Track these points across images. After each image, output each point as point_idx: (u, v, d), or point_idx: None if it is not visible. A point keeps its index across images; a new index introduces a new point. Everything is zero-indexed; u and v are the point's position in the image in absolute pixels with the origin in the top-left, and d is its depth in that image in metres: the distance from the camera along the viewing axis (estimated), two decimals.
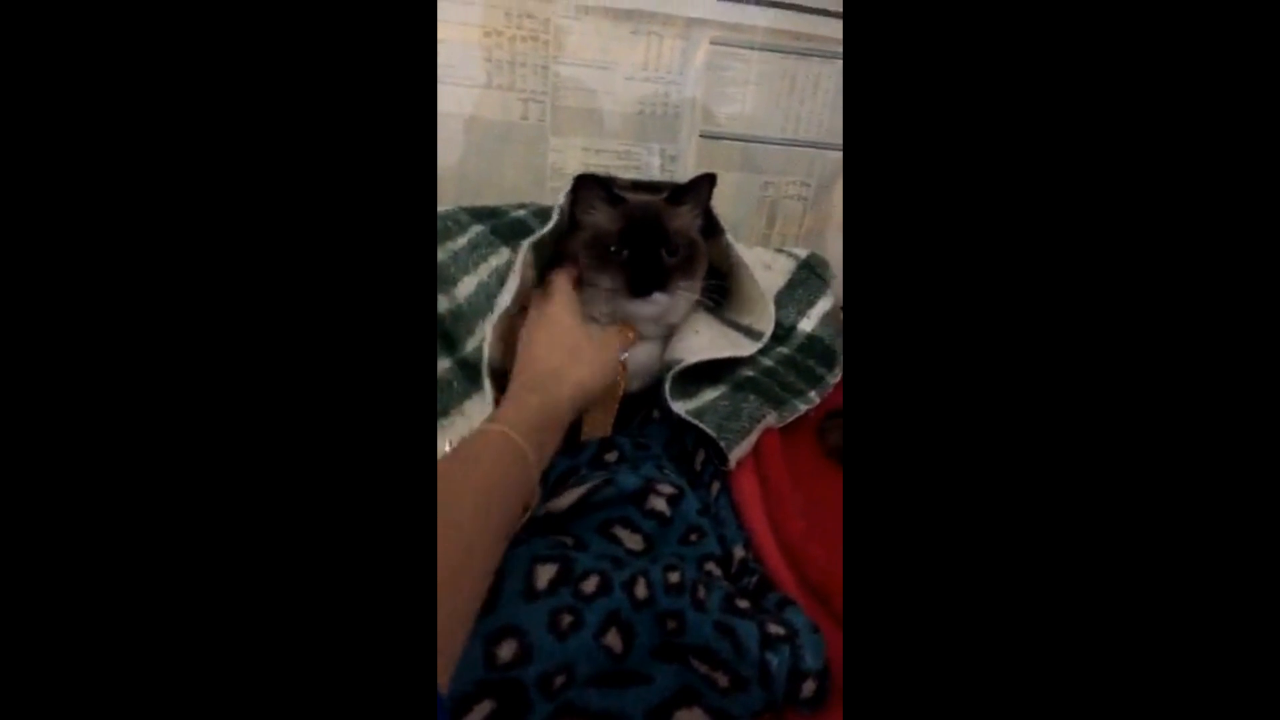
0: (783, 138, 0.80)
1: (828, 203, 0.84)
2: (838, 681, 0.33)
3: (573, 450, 0.43)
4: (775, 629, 0.34)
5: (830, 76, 0.77)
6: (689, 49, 0.74)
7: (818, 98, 0.79)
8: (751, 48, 0.75)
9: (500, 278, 0.57)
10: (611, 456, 0.43)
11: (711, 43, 0.74)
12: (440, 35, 0.70)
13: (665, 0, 0.71)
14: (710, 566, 0.38)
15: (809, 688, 0.33)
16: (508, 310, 0.51)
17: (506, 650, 0.31)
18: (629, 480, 0.39)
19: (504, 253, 0.58)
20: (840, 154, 0.81)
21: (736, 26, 0.74)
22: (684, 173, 0.80)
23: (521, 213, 0.63)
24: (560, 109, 0.75)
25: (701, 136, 0.79)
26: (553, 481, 0.40)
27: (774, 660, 0.33)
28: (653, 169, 0.80)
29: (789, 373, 0.60)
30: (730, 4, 0.72)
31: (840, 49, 0.76)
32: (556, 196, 0.69)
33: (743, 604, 0.35)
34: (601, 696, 0.32)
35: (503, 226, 0.61)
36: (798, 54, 0.76)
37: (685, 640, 0.33)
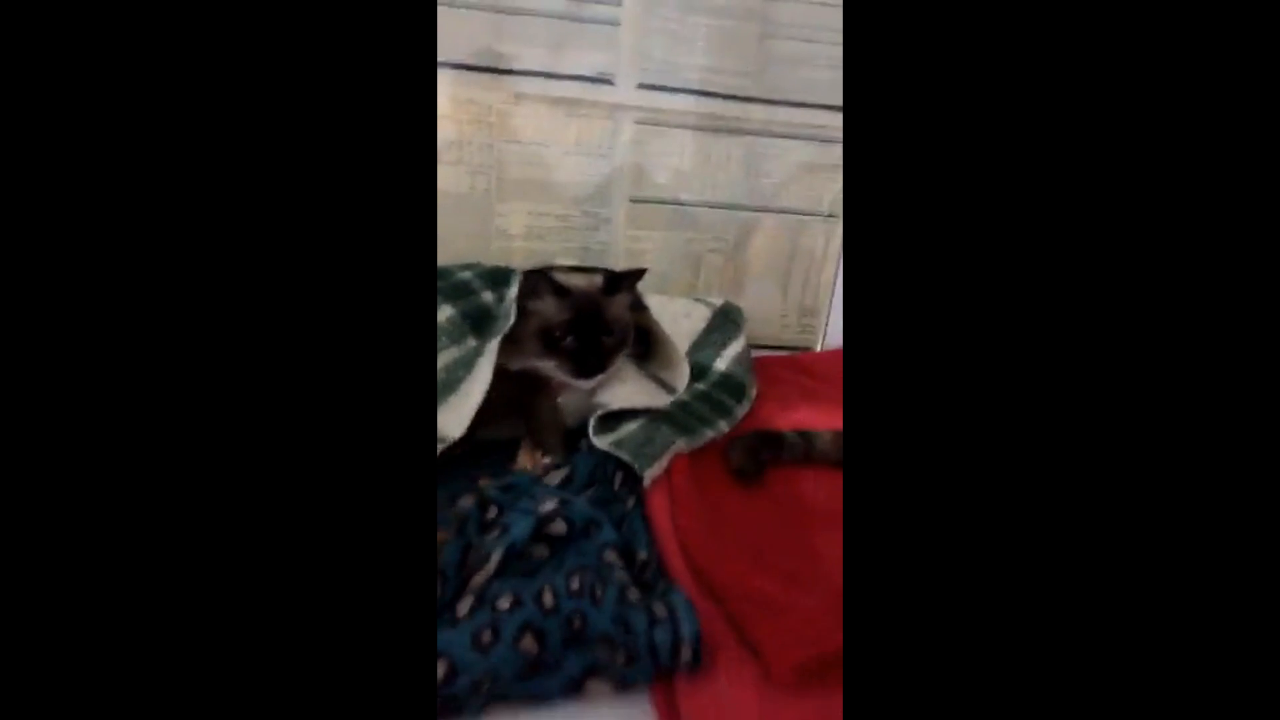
0: (702, 200, 0.91)
1: (743, 257, 0.95)
2: (710, 646, 0.42)
3: (458, 529, 0.48)
4: (659, 610, 0.42)
5: (739, 148, 0.89)
6: (617, 128, 0.86)
7: (730, 167, 0.90)
8: (671, 126, 0.87)
9: (442, 333, 0.65)
10: (491, 514, 0.49)
11: (636, 122, 0.86)
12: None
13: (593, 89, 0.83)
14: (609, 555, 0.46)
15: (687, 653, 0.41)
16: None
17: (438, 670, 0.38)
18: (521, 528, 0.46)
19: (446, 309, 0.67)
20: (750, 214, 0.92)
21: (656, 110, 0.85)
22: (616, 232, 0.91)
23: (467, 274, 0.72)
24: (505, 180, 0.86)
25: (631, 201, 0.90)
26: (457, 565, 0.45)
27: (658, 636, 0.41)
28: (588, 229, 0.90)
29: (703, 407, 0.70)
30: (649, 92, 0.84)
31: (745, 125, 0.88)
32: (501, 258, 0.78)
33: (633, 594, 0.43)
34: (523, 685, 0.40)
35: (448, 288, 0.70)
36: (711, 131, 0.88)
37: (588, 633, 0.41)
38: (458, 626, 0.40)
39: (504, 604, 0.41)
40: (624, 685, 0.41)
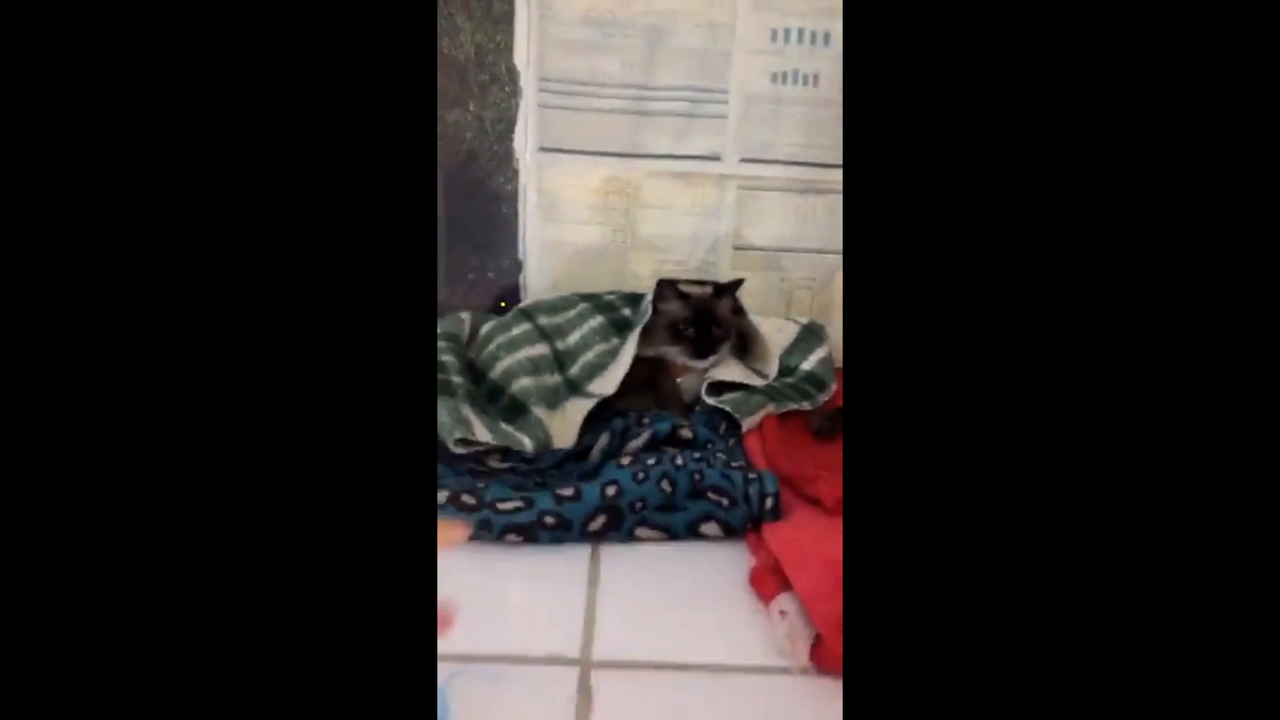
0: (792, 247, 1.14)
1: (828, 292, 1.15)
2: (786, 506, 0.60)
3: (623, 416, 0.74)
4: (750, 475, 0.62)
5: (822, 204, 1.12)
6: (723, 194, 1.11)
7: (816, 219, 1.13)
8: (766, 189, 1.11)
9: (594, 333, 0.92)
10: (646, 420, 0.74)
11: (738, 188, 1.11)
12: (564, 195, 1.10)
13: (705, 165, 1.10)
14: (719, 455, 0.67)
15: (769, 503, 0.60)
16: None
17: (611, 490, 0.61)
18: (663, 427, 0.71)
19: (598, 318, 0.93)
20: (833, 257, 1.13)
21: (754, 177, 1.10)
22: (722, 274, 1.14)
23: (612, 297, 0.99)
24: (637, 236, 1.13)
25: (734, 249, 1.14)
26: (621, 432, 0.70)
27: (751, 489, 0.60)
28: (700, 273, 1.14)
29: (791, 390, 0.89)
30: (749, 164, 1.10)
31: (825, 186, 1.11)
32: (635, 289, 1.03)
33: (735, 465, 0.63)
34: (660, 516, 0.61)
35: (600, 305, 0.96)
36: (799, 191, 1.11)
37: (704, 484, 0.62)
38: (622, 468, 0.62)
39: (650, 461, 0.64)
40: (729, 530, 0.61)
